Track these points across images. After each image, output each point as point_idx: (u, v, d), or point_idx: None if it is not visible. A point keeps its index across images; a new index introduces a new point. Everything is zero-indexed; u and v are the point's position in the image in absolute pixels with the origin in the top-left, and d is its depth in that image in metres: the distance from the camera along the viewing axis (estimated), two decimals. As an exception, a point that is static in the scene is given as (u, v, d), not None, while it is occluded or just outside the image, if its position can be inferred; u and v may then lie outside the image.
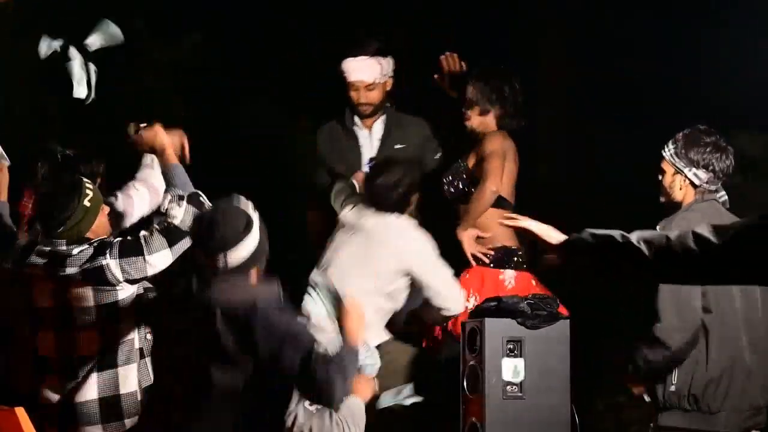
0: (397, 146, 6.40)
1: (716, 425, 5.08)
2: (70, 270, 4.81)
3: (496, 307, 5.57)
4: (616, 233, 3.51)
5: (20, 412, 4.34)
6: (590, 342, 6.10)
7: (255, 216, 4.39)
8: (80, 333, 4.85)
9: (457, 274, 6.00)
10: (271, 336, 4.21)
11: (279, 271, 4.44)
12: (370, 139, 6.50)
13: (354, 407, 4.93)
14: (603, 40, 7.68)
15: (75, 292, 4.83)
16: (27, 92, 9.44)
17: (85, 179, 5.01)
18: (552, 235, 3.78)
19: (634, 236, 3.48)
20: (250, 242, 4.31)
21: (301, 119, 9.28)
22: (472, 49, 6.56)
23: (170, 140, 5.24)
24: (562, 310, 5.68)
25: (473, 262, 6.15)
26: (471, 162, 6.19)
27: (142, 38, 9.56)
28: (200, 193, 5.01)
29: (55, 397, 4.89)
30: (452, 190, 6.23)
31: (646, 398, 5.25)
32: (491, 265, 6.15)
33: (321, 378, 4.18)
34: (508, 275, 6.14)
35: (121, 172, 5.63)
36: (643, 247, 3.43)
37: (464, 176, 6.19)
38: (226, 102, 8.79)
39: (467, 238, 6.11)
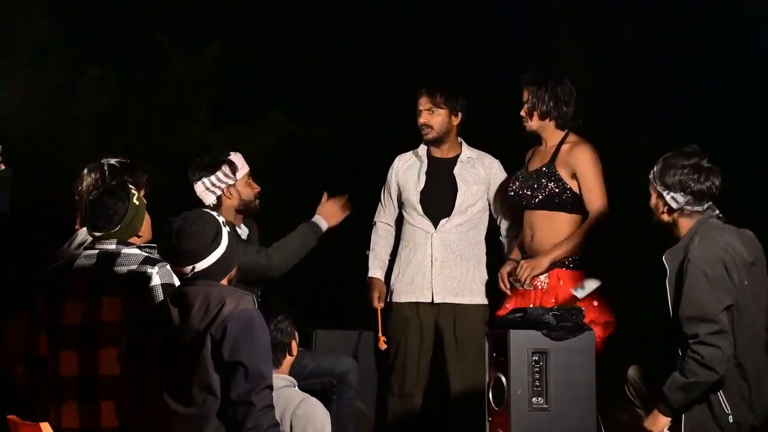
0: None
1: None
2: (118, 269, 4.78)
3: (521, 318, 5.56)
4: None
5: (45, 427, 4.36)
6: (616, 352, 6.09)
7: (224, 228, 4.44)
8: (105, 351, 4.74)
9: None
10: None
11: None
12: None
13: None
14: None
15: (108, 304, 4.75)
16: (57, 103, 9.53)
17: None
18: None
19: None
20: (219, 253, 4.40)
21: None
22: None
23: None
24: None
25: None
26: (563, 171, 6.15)
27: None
28: None
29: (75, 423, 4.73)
30: (540, 195, 6.16)
31: None
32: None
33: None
34: (542, 277, 6.15)
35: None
36: None
37: (560, 183, 6.12)
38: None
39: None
